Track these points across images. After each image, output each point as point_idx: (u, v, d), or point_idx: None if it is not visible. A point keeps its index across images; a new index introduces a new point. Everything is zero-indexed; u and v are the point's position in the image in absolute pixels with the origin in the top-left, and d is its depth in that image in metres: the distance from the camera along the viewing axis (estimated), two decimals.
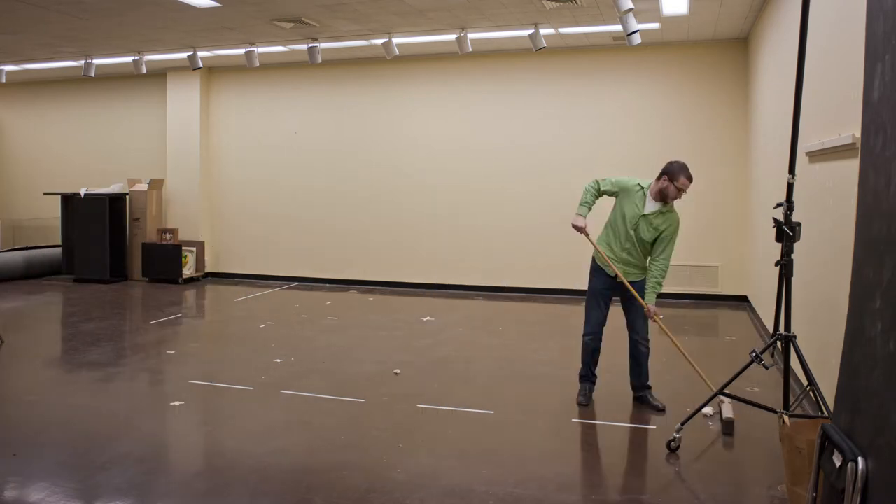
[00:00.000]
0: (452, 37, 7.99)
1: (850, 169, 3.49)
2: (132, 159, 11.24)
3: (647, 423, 4.30)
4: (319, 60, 8.50)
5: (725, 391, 3.76)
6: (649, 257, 4.58)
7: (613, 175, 4.77)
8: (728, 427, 4.09)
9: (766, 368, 3.93)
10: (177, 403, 4.68)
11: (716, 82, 8.62)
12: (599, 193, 4.69)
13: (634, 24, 6.61)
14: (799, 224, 3.56)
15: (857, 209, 1.99)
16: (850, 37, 3.53)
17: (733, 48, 8.55)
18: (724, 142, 8.63)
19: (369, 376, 5.33)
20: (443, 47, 8.84)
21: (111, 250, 10.30)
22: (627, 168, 8.88)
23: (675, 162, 4.44)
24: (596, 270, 4.69)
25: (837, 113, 3.86)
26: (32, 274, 10.65)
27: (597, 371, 4.74)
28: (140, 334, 6.89)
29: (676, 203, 4.57)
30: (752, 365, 3.69)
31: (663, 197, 4.46)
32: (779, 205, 3.64)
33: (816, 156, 4.35)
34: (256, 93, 10.53)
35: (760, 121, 7.29)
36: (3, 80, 9.85)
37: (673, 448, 3.81)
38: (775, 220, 3.60)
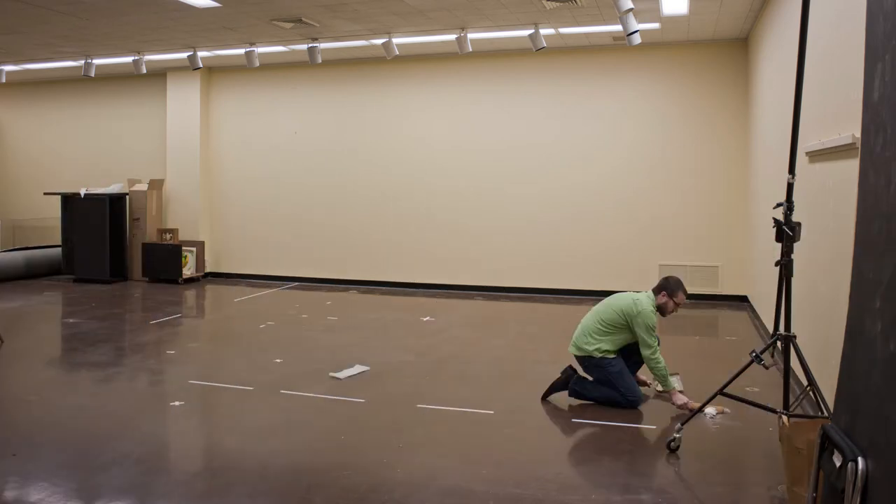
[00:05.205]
0: (452, 37, 7.98)
1: (850, 169, 3.49)
2: (132, 159, 11.24)
3: (647, 423, 4.30)
4: (319, 60, 8.50)
5: (725, 391, 3.76)
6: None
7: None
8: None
9: (766, 368, 3.93)
10: (177, 403, 4.68)
11: (716, 82, 8.62)
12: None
13: (634, 24, 6.61)
14: (799, 224, 3.56)
15: (857, 209, 1.99)
16: (850, 37, 3.53)
17: (733, 48, 8.55)
18: (724, 142, 8.63)
19: (369, 376, 5.33)
20: (443, 47, 8.84)
21: (111, 250, 10.30)
22: (626, 169, 8.92)
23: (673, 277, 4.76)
24: None
25: (837, 113, 3.86)
26: (32, 274, 10.65)
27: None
28: (140, 334, 6.89)
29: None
30: (752, 365, 3.69)
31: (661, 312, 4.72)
32: (779, 205, 3.64)
33: (816, 156, 4.35)
34: (256, 93, 10.53)
35: (760, 121, 7.29)
36: (3, 80, 9.84)
37: (673, 448, 3.81)
38: (775, 220, 3.60)
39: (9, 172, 12.23)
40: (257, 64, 8.74)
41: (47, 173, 11.80)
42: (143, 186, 10.59)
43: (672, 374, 4.60)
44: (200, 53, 9.10)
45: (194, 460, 3.82)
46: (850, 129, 3.49)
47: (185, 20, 7.48)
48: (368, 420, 4.37)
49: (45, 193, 11.19)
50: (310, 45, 8.36)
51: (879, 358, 1.67)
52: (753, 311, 7.80)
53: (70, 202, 10.67)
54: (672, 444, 3.82)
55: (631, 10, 6.28)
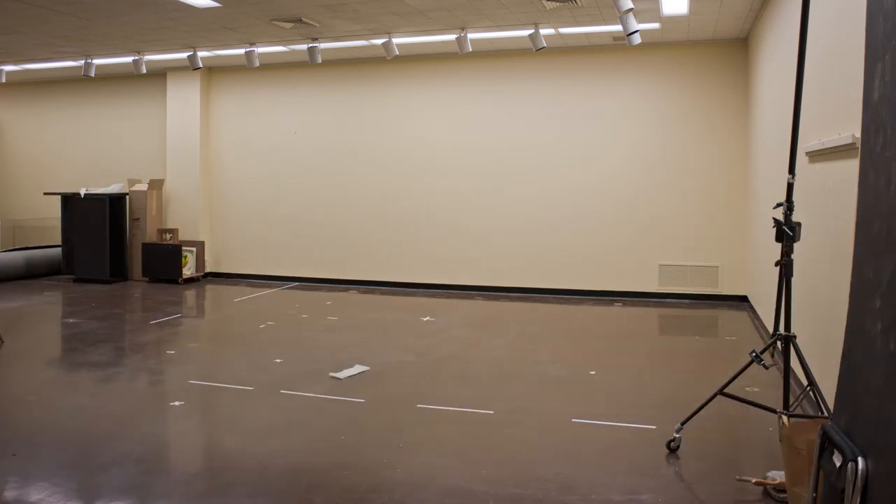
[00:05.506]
0: (452, 37, 7.99)
1: (850, 169, 3.49)
2: (132, 159, 11.25)
3: (647, 423, 4.30)
4: (319, 60, 8.50)
5: (725, 391, 3.76)
6: None
7: None
8: None
9: (766, 368, 3.93)
10: (177, 403, 4.68)
11: (716, 82, 8.63)
12: None
13: (634, 24, 6.61)
14: (799, 224, 3.56)
15: (857, 209, 1.99)
16: (850, 37, 3.53)
17: (733, 48, 8.55)
18: (724, 142, 8.63)
19: (369, 376, 5.33)
20: (443, 47, 8.84)
21: (111, 250, 10.30)
22: (626, 169, 8.92)
23: None
24: None
25: (837, 113, 3.86)
26: (32, 274, 10.65)
27: None
28: (140, 334, 6.89)
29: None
30: (752, 365, 3.69)
31: None
32: (779, 205, 3.64)
33: (816, 156, 4.35)
34: (256, 93, 10.53)
35: (760, 121, 7.29)
36: (3, 80, 9.84)
37: (673, 448, 3.81)
38: (775, 220, 3.60)
39: (9, 172, 12.23)
40: (257, 64, 8.74)
41: (47, 173, 11.80)
42: (143, 186, 10.59)
43: None
44: (200, 53, 9.10)
45: (194, 460, 3.81)
46: (850, 129, 3.49)
47: (185, 20, 7.48)
48: (368, 420, 4.37)
49: (45, 193, 11.19)
50: (310, 45, 8.36)
51: (879, 358, 1.67)
52: (753, 311, 7.80)
53: (70, 202, 10.67)
54: (672, 444, 3.82)
55: (631, 10, 6.28)
